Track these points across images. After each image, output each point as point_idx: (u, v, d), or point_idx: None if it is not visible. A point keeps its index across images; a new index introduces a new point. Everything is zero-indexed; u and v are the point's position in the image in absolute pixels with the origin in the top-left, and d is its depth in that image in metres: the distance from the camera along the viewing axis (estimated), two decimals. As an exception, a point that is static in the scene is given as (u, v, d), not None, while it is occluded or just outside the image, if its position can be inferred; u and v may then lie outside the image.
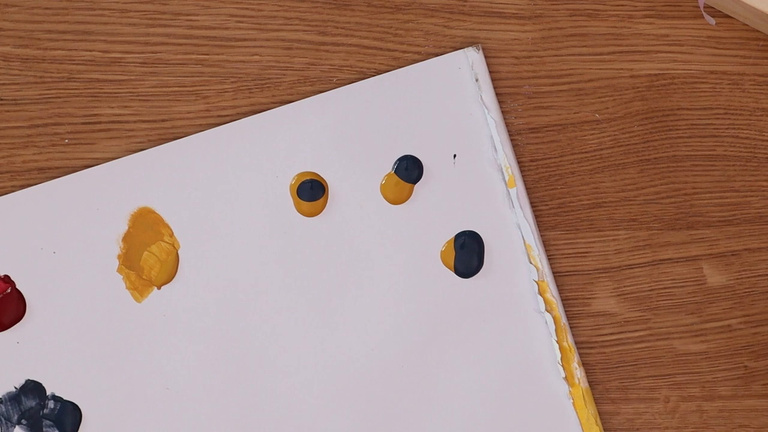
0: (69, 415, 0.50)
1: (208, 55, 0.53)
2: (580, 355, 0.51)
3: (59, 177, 0.52)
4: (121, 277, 0.51)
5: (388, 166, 0.52)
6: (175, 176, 0.52)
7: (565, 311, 0.51)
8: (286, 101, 0.53)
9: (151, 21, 0.53)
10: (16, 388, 0.50)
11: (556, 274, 0.52)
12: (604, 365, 0.51)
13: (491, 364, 0.51)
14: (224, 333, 0.51)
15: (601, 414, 0.51)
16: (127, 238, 0.51)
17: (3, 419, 0.50)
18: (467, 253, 0.51)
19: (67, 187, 0.52)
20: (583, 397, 0.51)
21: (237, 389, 0.51)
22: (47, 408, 0.50)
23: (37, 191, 0.52)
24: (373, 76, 0.53)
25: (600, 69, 0.53)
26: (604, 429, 0.51)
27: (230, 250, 0.51)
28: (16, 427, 0.50)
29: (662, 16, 0.53)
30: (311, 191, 0.52)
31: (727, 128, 0.53)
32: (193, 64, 0.53)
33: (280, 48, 0.53)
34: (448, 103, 0.52)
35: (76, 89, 0.53)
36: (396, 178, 0.52)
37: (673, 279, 0.52)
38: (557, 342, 0.51)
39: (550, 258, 0.52)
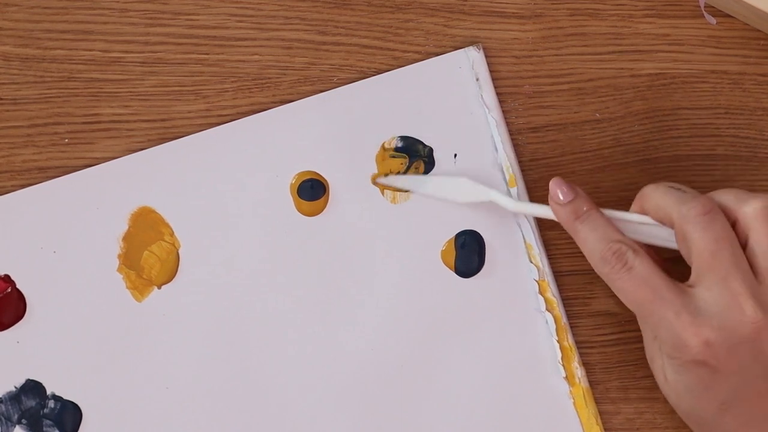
0: (69, 414, 0.50)
1: (208, 54, 0.53)
2: (581, 354, 0.51)
3: (59, 177, 0.52)
4: (121, 276, 0.51)
5: (389, 166, 0.52)
6: (175, 176, 0.52)
7: (566, 311, 0.51)
8: (286, 101, 0.53)
9: (151, 20, 0.53)
10: (16, 387, 0.50)
11: (557, 274, 0.52)
12: (604, 365, 0.51)
13: (492, 364, 0.51)
14: (224, 332, 0.51)
15: (602, 414, 0.51)
16: (127, 237, 0.51)
17: (3, 419, 0.50)
18: (468, 253, 0.51)
19: (67, 187, 0.52)
20: (584, 396, 0.51)
21: (237, 389, 0.51)
22: (47, 408, 0.50)
23: (37, 191, 0.52)
24: (374, 75, 0.53)
25: (600, 68, 0.53)
26: (605, 429, 0.51)
27: (230, 250, 0.51)
28: (16, 426, 0.50)
29: (663, 15, 0.53)
30: (312, 191, 0.52)
31: (727, 128, 0.53)
32: (193, 63, 0.53)
33: (280, 47, 0.53)
34: (449, 103, 0.52)
35: (75, 89, 0.53)
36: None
37: (674, 278, 0.52)
38: (558, 341, 0.51)
39: (551, 257, 0.52)
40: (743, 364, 0.43)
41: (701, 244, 0.43)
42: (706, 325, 0.42)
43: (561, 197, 0.47)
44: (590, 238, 0.46)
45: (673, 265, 0.46)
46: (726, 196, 0.45)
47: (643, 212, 0.47)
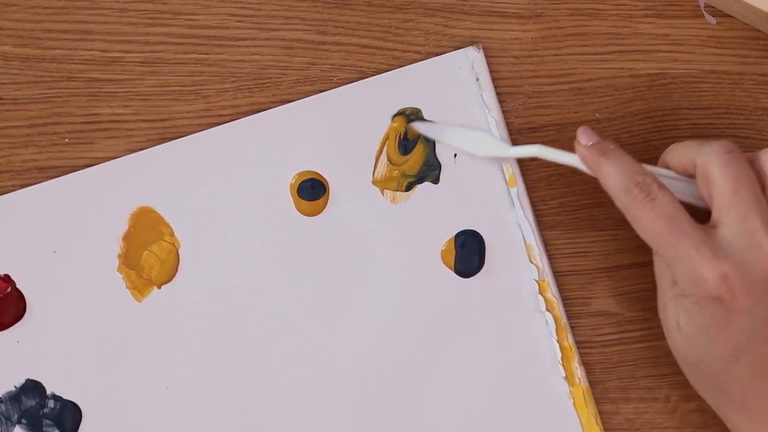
0: (69, 414, 0.50)
1: (207, 54, 0.53)
2: (581, 354, 0.51)
3: (59, 176, 0.52)
4: (121, 276, 0.51)
5: (389, 166, 0.52)
6: (175, 176, 0.52)
7: (566, 311, 0.51)
8: (286, 101, 0.53)
9: (151, 20, 0.53)
10: (16, 387, 0.50)
11: (557, 274, 0.52)
12: (604, 365, 0.51)
13: (492, 364, 0.51)
14: (224, 332, 0.51)
15: (602, 413, 0.51)
16: (127, 237, 0.51)
17: (3, 419, 0.50)
18: (468, 253, 0.51)
19: (67, 187, 0.52)
20: (584, 396, 0.51)
21: (237, 389, 0.51)
22: (47, 407, 0.50)
23: (37, 191, 0.52)
24: (373, 75, 0.53)
25: (600, 68, 0.53)
26: (605, 429, 0.51)
27: (230, 250, 0.51)
28: (16, 426, 0.50)
29: (662, 15, 0.53)
30: (312, 190, 0.52)
31: (727, 128, 0.53)
32: (193, 63, 0.53)
33: (280, 47, 0.53)
34: (449, 103, 0.52)
35: (75, 88, 0.53)
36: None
37: (674, 278, 0.52)
38: (558, 341, 0.51)
39: (551, 257, 0.52)
40: (758, 303, 0.43)
41: (722, 182, 0.44)
42: (725, 259, 0.42)
43: (587, 140, 0.47)
44: (614, 172, 0.45)
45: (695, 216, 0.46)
46: (748, 154, 0.46)
47: (667, 167, 0.47)
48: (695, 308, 0.43)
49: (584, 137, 0.47)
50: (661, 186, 0.44)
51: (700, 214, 0.45)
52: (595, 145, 0.46)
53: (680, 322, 0.44)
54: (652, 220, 0.44)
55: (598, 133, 0.47)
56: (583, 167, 0.47)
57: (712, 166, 0.44)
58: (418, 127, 0.51)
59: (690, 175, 0.46)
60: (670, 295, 0.45)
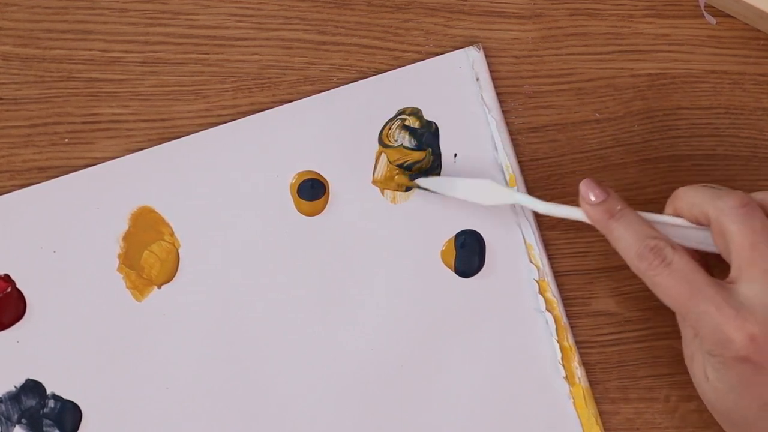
0: (69, 414, 0.50)
1: (207, 54, 0.53)
2: (581, 354, 0.51)
3: (59, 176, 0.52)
4: (121, 276, 0.51)
5: (389, 166, 0.52)
6: (175, 176, 0.52)
7: (566, 311, 0.51)
8: (286, 100, 0.53)
9: (151, 20, 0.53)
10: (16, 387, 0.50)
11: (557, 274, 0.52)
12: (604, 365, 0.51)
13: (492, 364, 0.51)
14: (224, 332, 0.51)
15: (602, 413, 0.51)
16: (127, 237, 0.51)
17: (3, 418, 0.50)
18: (468, 253, 0.51)
19: (67, 187, 0.52)
20: (584, 396, 0.51)
21: (237, 389, 0.51)
22: (47, 407, 0.50)
23: (37, 191, 0.52)
24: (373, 75, 0.53)
25: (600, 68, 0.53)
26: (605, 428, 0.51)
27: (230, 250, 0.51)
28: (16, 426, 0.50)
29: (662, 15, 0.53)
30: (312, 190, 0.52)
31: (727, 128, 0.53)
32: (193, 63, 0.53)
33: (280, 47, 0.53)
34: (449, 103, 0.52)
35: (75, 88, 0.53)
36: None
37: (674, 278, 0.52)
38: (558, 341, 0.51)
39: (551, 257, 0.52)
40: None
41: (740, 237, 0.43)
42: (750, 319, 0.42)
43: (593, 198, 0.46)
44: (625, 236, 0.45)
45: (711, 266, 0.46)
46: (759, 195, 0.45)
47: (677, 214, 0.46)
48: (723, 367, 0.43)
49: (590, 194, 0.46)
50: (676, 247, 0.44)
51: (719, 262, 0.45)
52: (603, 204, 0.46)
53: (708, 376, 0.44)
54: (670, 286, 0.43)
55: (601, 186, 0.46)
56: (589, 221, 0.47)
57: (727, 222, 0.43)
58: (422, 182, 0.51)
59: (702, 224, 0.45)
60: (696, 346, 0.44)
